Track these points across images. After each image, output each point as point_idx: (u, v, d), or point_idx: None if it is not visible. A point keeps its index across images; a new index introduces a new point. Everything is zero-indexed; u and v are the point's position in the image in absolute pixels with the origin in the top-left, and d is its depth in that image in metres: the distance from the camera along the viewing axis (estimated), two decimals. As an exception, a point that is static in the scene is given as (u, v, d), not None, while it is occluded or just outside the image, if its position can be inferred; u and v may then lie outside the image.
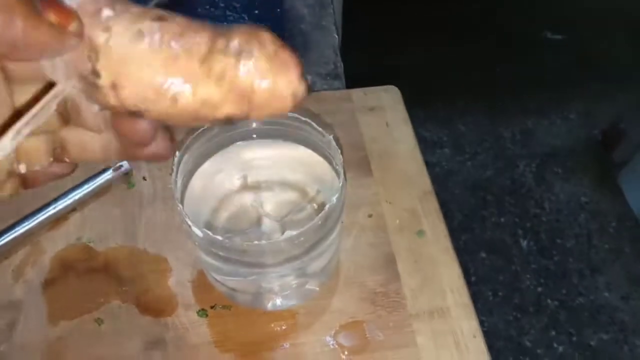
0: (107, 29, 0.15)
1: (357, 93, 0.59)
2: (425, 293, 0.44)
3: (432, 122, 1.76)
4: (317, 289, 0.43)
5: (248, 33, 0.16)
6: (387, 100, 0.58)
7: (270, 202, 0.45)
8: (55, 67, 0.16)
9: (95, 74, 0.16)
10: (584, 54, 1.97)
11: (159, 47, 0.15)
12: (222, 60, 0.16)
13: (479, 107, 1.82)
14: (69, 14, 0.15)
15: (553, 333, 1.32)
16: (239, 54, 0.16)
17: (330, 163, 0.42)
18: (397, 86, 0.60)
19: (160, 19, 0.16)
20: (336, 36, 0.68)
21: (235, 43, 0.16)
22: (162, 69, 0.15)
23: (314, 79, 0.63)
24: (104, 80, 0.16)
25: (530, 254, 1.46)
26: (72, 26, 0.15)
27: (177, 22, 0.16)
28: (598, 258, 1.45)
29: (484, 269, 1.43)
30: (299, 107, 0.17)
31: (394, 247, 0.47)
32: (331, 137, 0.39)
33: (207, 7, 0.71)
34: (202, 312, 0.43)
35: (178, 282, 0.45)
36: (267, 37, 0.16)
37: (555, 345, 1.30)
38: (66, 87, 0.16)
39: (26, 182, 0.19)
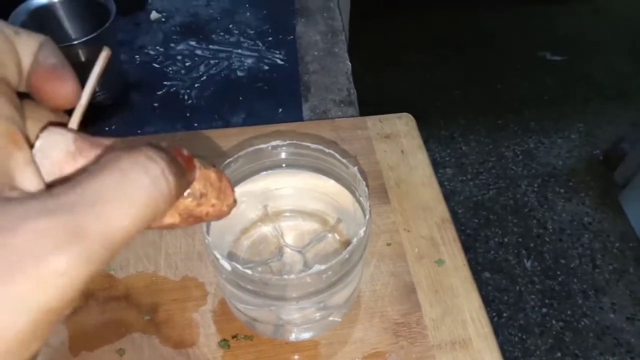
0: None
1: (372, 120, 0.59)
2: (446, 323, 0.44)
3: (435, 142, 1.78)
4: (340, 319, 0.43)
5: (204, 178, 0.20)
6: (402, 127, 0.59)
7: (291, 232, 0.45)
8: None
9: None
10: (584, 75, 1.99)
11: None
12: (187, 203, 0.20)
13: (481, 127, 1.83)
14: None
15: (559, 354, 1.31)
16: (199, 198, 0.20)
17: (352, 194, 0.42)
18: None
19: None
20: (349, 63, 0.69)
21: (196, 189, 0.20)
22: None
23: (329, 105, 0.64)
24: None
25: (534, 274, 1.46)
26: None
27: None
28: (602, 278, 1.45)
29: (488, 289, 1.43)
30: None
31: (414, 276, 0.47)
32: (356, 168, 0.39)
33: (222, 34, 0.72)
34: (224, 343, 0.43)
35: (199, 311, 0.45)
36: (214, 176, 0.21)
37: (561, 367, 1.29)
38: None
39: None
